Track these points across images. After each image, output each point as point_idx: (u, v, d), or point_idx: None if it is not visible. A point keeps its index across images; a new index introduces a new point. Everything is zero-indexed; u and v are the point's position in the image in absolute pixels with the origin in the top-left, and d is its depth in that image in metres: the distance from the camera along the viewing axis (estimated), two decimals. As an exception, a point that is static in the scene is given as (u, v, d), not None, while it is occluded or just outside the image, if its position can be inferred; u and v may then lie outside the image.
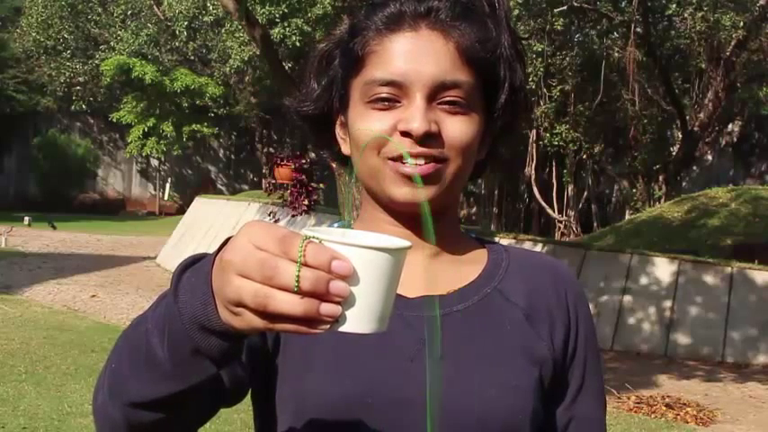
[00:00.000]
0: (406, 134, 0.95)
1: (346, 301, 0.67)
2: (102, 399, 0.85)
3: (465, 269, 1.05)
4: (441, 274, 1.03)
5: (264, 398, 1.00)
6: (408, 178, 0.96)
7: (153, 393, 0.79)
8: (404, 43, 0.97)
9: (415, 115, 0.95)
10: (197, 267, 0.76)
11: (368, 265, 0.68)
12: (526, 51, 1.08)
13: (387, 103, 0.97)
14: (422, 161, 0.96)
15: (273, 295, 0.66)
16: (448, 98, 0.96)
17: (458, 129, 0.97)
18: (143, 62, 25.00)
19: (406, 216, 1.01)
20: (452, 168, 0.98)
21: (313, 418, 0.94)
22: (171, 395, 0.79)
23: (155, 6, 23.86)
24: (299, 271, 0.65)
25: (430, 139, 0.95)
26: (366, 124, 0.97)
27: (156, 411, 0.81)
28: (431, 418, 0.88)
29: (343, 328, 0.68)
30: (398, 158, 0.96)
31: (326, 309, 0.66)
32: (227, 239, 0.72)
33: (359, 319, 0.68)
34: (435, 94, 0.96)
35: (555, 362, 1.02)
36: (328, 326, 0.68)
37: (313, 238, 0.67)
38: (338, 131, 1.07)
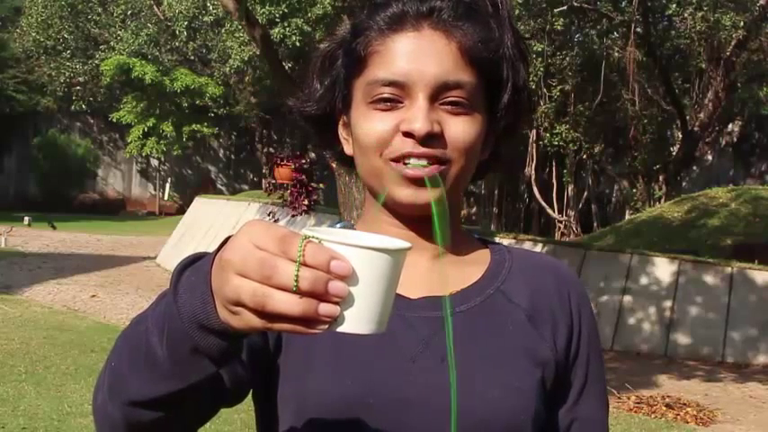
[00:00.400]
0: (408, 134, 0.95)
1: (345, 302, 0.67)
2: (101, 398, 0.85)
3: (467, 270, 1.05)
4: (444, 274, 1.03)
5: (266, 398, 1.00)
6: (410, 180, 0.96)
7: (152, 392, 0.79)
8: (406, 43, 0.97)
9: (417, 116, 0.94)
10: (197, 266, 0.76)
11: (367, 265, 0.67)
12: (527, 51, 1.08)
13: (389, 104, 0.96)
14: (424, 162, 0.95)
15: (272, 295, 0.66)
16: (450, 98, 0.96)
17: (460, 129, 0.97)
18: (143, 62, 25.01)
19: (409, 217, 1.01)
20: (455, 169, 0.98)
21: (314, 418, 0.94)
22: (170, 394, 0.79)
23: (155, 6, 23.86)
24: (297, 271, 0.65)
25: (432, 139, 0.95)
26: (368, 124, 0.97)
27: (155, 410, 0.81)
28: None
29: (341, 329, 0.68)
30: (401, 160, 0.96)
31: (325, 309, 0.66)
32: (227, 238, 0.72)
33: (357, 320, 0.68)
34: (438, 94, 0.96)
35: (557, 363, 1.02)
36: (327, 326, 0.67)
37: (312, 237, 0.67)
38: (341, 132, 1.07)
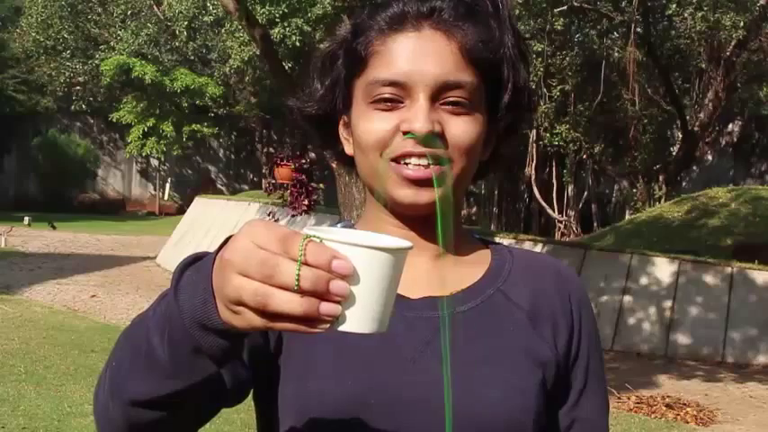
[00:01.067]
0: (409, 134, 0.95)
1: (346, 301, 0.67)
2: (102, 398, 0.85)
3: (468, 270, 1.04)
4: (444, 275, 1.03)
5: (267, 398, 1.00)
6: (411, 180, 0.96)
7: (153, 392, 0.79)
8: (407, 43, 0.97)
9: (417, 115, 0.94)
10: (198, 266, 0.76)
11: (368, 264, 0.68)
12: (528, 51, 1.08)
13: (390, 104, 0.96)
14: (425, 161, 0.95)
15: (273, 294, 0.66)
16: (451, 98, 0.96)
17: (461, 129, 0.97)
18: (143, 62, 25.02)
19: (409, 217, 1.02)
20: (456, 169, 0.98)
21: (315, 418, 0.94)
22: (171, 394, 0.79)
23: (155, 6, 23.87)
24: (299, 270, 0.65)
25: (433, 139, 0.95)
26: (369, 124, 0.97)
27: (156, 410, 0.81)
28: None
29: (342, 328, 0.68)
30: (401, 160, 0.96)
31: (326, 308, 0.66)
32: (228, 238, 0.72)
33: (359, 319, 0.68)
34: (438, 94, 0.96)
35: (558, 363, 1.02)
36: (328, 325, 0.68)
37: (314, 237, 0.67)
38: (341, 131, 1.07)
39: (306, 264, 0.66)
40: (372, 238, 0.73)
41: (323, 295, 0.66)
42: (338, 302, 0.67)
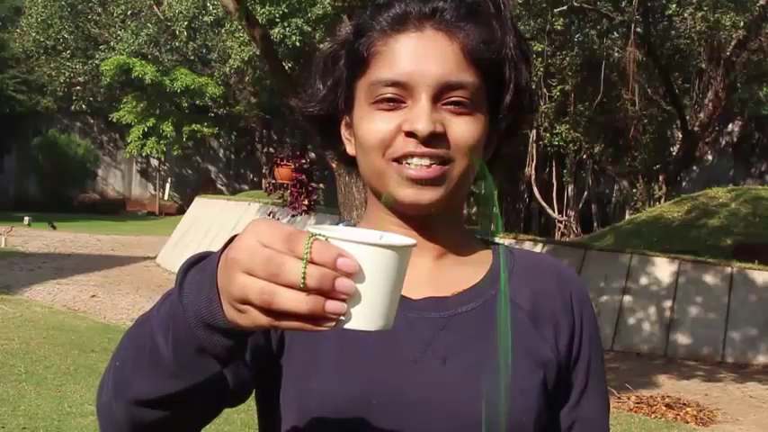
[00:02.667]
0: (410, 134, 0.95)
1: (352, 299, 0.67)
2: (106, 397, 0.85)
3: (469, 271, 1.05)
4: (445, 275, 1.03)
5: (268, 398, 1.00)
6: (413, 180, 0.96)
7: (157, 392, 0.79)
8: (409, 44, 0.97)
9: (420, 115, 0.94)
10: (202, 265, 0.76)
11: (374, 262, 0.68)
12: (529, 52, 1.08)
13: (392, 104, 0.97)
14: (427, 161, 0.96)
15: (279, 292, 0.66)
16: (453, 99, 0.96)
17: (463, 129, 0.97)
18: (143, 62, 25.02)
19: (411, 217, 1.02)
20: (458, 169, 0.98)
21: (316, 419, 0.94)
22: (175, 393, 0.79)
23: (155, 6, 23.89)
24: (304, 268, 0.66)
25: (435, 139, 0.95)
26: (371, 125, 0.98)
27: (159, 410, 0.82)
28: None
29: (348, 326, 0.68)
30: (403, 160, 0.96)
31: (332, 306, 0.67)
32: (233, 237, 0.72)
33: (364, 317, 0.68)
34: (440, 94, 0.96)
35: (559, 364, 1.02)
36: (333, 323, 0.68)
37: (319, 235, 0.67)
38: (343, 132, 1.07)
39: (311, 262, 0.66)
40: (377, 236, 0.73)
41: (328, 293, 0.66)
42: (344, 300, 0.67)
